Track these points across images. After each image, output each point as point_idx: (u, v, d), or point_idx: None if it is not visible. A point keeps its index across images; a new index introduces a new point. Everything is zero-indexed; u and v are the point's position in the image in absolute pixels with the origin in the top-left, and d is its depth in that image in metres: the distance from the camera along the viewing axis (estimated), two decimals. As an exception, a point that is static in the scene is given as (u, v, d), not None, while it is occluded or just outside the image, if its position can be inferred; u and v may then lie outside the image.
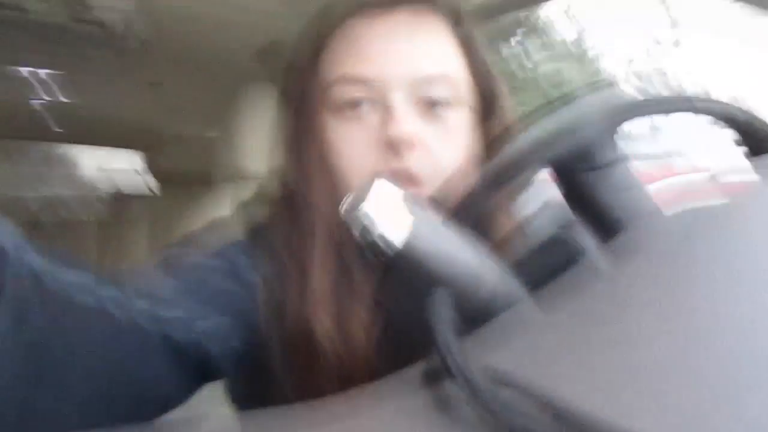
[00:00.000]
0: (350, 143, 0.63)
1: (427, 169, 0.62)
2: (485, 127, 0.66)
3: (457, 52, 0.65)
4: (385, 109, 0.61)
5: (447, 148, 0.63)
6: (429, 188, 0.61)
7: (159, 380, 0.53)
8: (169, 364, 0.53)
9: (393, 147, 0.60)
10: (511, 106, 0.69)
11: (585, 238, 0.51)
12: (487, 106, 0.67)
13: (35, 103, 2.82)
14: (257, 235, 0.68)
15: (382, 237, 0.34)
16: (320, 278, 0.62)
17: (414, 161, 0.61)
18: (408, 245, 0.34)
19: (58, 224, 3.38)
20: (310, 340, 0.60)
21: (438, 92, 0.62)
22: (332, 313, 0.61)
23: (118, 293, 0.52)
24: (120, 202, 2.42)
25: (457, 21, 0.66)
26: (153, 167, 2.22)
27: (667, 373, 0.19)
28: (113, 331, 0.49)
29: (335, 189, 0.63)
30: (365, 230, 0.34)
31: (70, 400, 0.46)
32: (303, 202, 0.65)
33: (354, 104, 0.62)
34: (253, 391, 0.64)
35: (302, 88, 0.67)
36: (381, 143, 0.61)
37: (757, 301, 0.22)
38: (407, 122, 0.60)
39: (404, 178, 0.61)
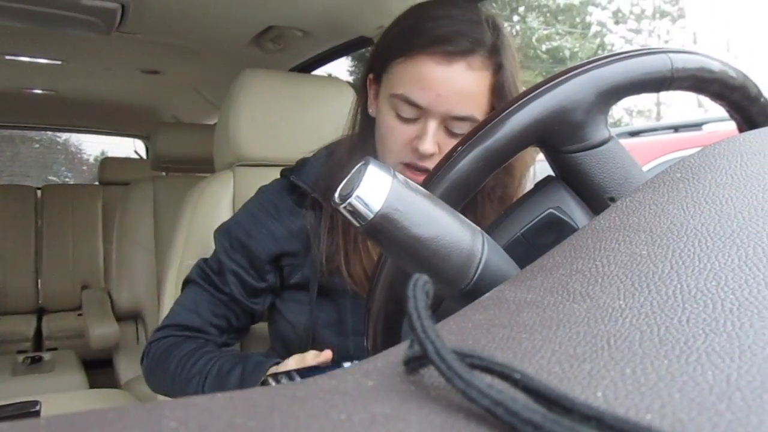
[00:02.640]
0: (395, 138, 0.88)
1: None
2: None
3: (488, 98, 0.86)
4: (423, 128, 0.85)
5: None
6: None
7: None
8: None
9: (419, 154, 0.86)
10: None
11: (578, 216, 0.52)
12: None
13: (36, 91, 2.83)
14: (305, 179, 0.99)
15: (360, 199, 0.37)
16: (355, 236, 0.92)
17: (431, 163, 0.86)
18: (386, 206, 0.37)
19: (61, 210, 3.39)
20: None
21: (461, 128, 0.85)
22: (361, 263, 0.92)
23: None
24: (122, 187, 2.43)
25: (499, 68, 0.85)
26: (154, 153, 2.22)
27: (633, 344, 0.20)
28: None
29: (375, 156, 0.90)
30: (349, 197, 0.37)
31: None
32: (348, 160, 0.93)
33: (405, 115, 0.87)
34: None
35: (378, 75, 0.92)
36: (413, 147, 0.86)
37: (720, 274, 0.23)
38: (432, 143, 0.85)
39: (423, 170, 0.87)
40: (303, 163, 1.03)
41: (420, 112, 0.85)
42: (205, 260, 1.01)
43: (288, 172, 1.02)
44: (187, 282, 1.01)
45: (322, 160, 1.01)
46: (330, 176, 0.95)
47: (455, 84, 0.83)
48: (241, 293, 0.97)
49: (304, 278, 0.98)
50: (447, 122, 0.85)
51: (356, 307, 0.96)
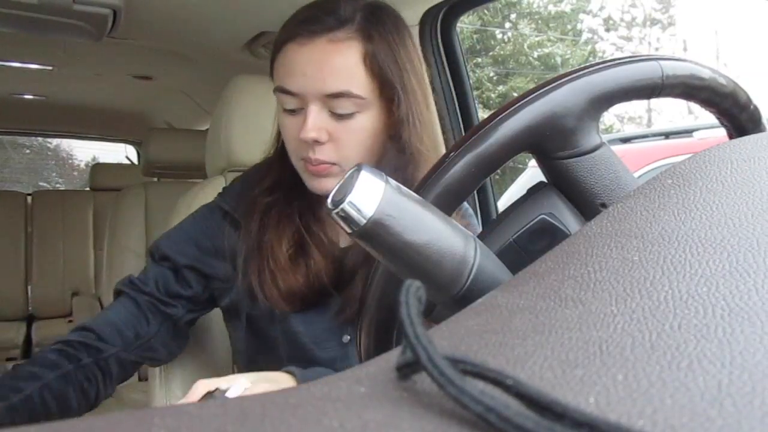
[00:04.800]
0: (288, 133, 0.88)
1: (336, 156, 0.85)
2: (395, 112, 0.84)
3: (362, 70, 0.83)
4: (305, 115, 0.83)
5: (354, 140, 0.85)
6: (346, 167, 0.85)
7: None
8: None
9: (307, 143, 0.83)
10: (420, 93, 0.88)
11: (570, 222, 0.52)
12: (392, 99, 0.84)
13: (27, 96, 2.81)
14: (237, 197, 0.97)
15: (353, 205, 0.37)
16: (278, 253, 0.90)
17: (325, 153, 0.84)
18: (379, 212, 0.37)
19: (51, 216, 3.37)
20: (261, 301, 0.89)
21: (342, 107, 0.82)
22: (284, 284, 0.88)
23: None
24: (113, 193, 2.42)
25: (368, 38, 0.83)
26: (145, 159, 2.21)
27: (625, 350, 0.20)
28: None
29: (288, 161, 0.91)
30: (341, 203, 0.38)
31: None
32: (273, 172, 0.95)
33: (288, 107, 0.86)
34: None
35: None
36: (302, 139, 0.83)
37: (711, 280, 0.23)
38: (313, 129, 0.82)
39: (318, 163, 0.85)
40: (237, 180, 1.02)
41: (299, 100, 0.83)
42: (134, 276, 0.97)
43: (219, 193, 1.01)
44: (116, 294, 0.97)
45: (248, 173, 1.01)
46: (249, 191, 0.95)
47: (319, 60, 0.81)
48: (161, 292, 0.92)
49: (232, 303, 0.96)
50: (327, 104, 0.82)
51: (286, 334, 0.93)
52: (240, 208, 0.95)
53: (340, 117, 0.83)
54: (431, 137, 0.89)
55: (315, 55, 0.81)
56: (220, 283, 0.96)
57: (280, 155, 0.95)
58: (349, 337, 0.93)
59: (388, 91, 0.84)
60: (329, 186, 0.84)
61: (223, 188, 1.02)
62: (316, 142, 0.83)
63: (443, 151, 0.88)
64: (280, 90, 0.84)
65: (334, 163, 0.85)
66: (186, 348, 1.12)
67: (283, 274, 0.89)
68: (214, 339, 1.16)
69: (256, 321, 0.95)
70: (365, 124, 0.84)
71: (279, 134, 0.96)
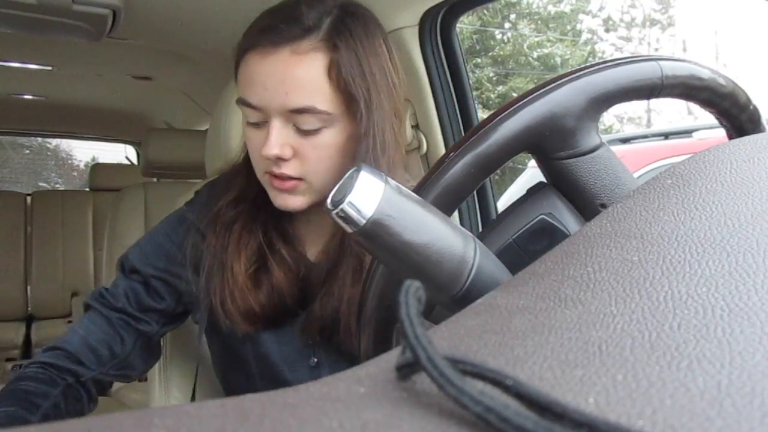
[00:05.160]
0: (252, 147, 0.83)
1: (302, 171, 0.79)
2: (359, 127, 0.79)
3: (326, 84, 0.77)
4: (267, 131, 0.78)
5: (320, 156, 0.79)
6: (313, 183, 0.81)
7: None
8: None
9: (270, 159, 0.78)
10: (388, 107, 0.81)
11: (570, 222, 0.52)
12: (358, 112, 0.78)
13: (27, 97, 2.81)
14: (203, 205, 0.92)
15: (352, 205, 0.37)
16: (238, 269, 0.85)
17: (291, 168, 0.79)
18: (378, 212, 0.37)
19: (51, 217, 3.37)
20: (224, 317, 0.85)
21: (306, 122, 0.77)
22: (241, 300, 0.84)
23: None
24: (113, 193, 2.41)
25: (333, 48, 0.77)
26: (145, 159, 2.21)
27: (624, 350, 0.20)
28: None
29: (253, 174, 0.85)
30: (341, 203, 0.37)
31: None
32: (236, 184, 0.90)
33: (251, 121, 0.80)
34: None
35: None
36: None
37: (711, 280, 0.23)
38: (275, 145, 0.77)
39: (285, 179, 0.80)
40: (205, 187, 0.97)
41: (261, 114, 0.78)
42: (104, 288, 0.93)
43: (193, 196, 0.97)
44: (86, 308, 0.93)
45: (213, 182, 0.96)
46: (214, 202, 0.90)
47: (280, 72, 0.75)
48: (134, 306, 0.89)
49: (202, 318, 0.92)
50: (291, 119, 0.77)
51: (257, 353, 0.90)
52: (204, 219, 0.90)
53: (305, 133, 0.78)
54: (390, 158, 0.81)
55: (278, 67, 0.76)
56: (189, 297, 0.91)
57: (246, 165, 0.89)
58: (316, 360, 0.89)
59: (354, 105, 0.78)
60: (295, 203, 0.81)
61: (194, 195, 0.98)
62: (280, 159, 0.78)
63: (400, 173, 0.85)
64: (242, 102, 0.79)
65: (300, 179, 0.80)
66: (185, 348, 1.12)
67: (241, 293, 0.84)
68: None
69: (227, 338, 0.92)
70: (331, 140, 0.79)
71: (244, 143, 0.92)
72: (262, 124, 0.79)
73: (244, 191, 0.89)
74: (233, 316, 0.85)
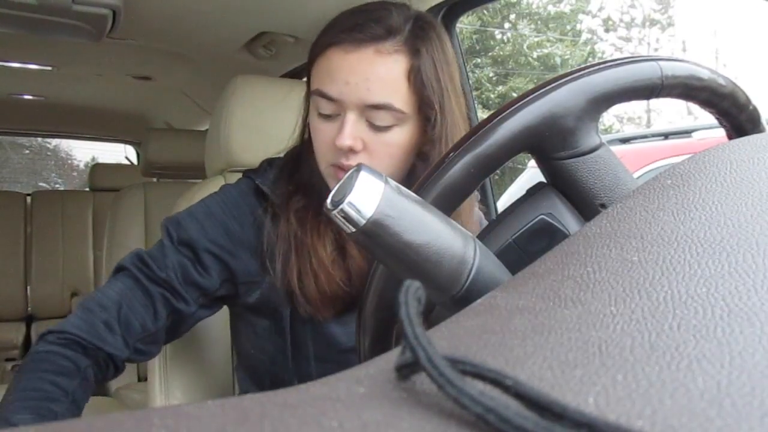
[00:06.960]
0: (320, 138, 0.85)
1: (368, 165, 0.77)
2: (429, 132, 0.83)
3: (405, 85, 0.81)
4: (342, 122, 0.82)
5: (387, 152, 0.83)
6: None
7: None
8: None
9: (342, 151, 0.82)
10: (458, 113, 0.87)
11: (569, 222, 0.52)
12: (429, 118, 0.83)
13: (26, 97, 2.81)
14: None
15: (352, 205, 0.37)
16: (321, 252, 0.87)
17: (356, 161, 0.82)
18: (378, 213, 0.37)
19: (51, 217, 3.37)
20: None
21: (381, 118, 0.81)
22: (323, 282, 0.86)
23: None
24: (113, 193, 2.41)
25: (415, 53, 0.82)
26: (145, 159, 2.21)
27: (624, 350, 0.20)
28: None
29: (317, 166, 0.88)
30: (341, 203, 0.38)
31: None
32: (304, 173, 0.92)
33: (324, 112, 0.84)
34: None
35: (307, 85, 0.89)
36: (336, 146, 0.81)
37: (710, 281, 0.23)
38: (350, 137, 0.81)
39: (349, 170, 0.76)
40: (268, 164, 0.98)
41: (337, 106, 0.82)
42: (143, 251, 0.89)
43: (251, 173, 0.97)
44: (119, 269, 0.88)
45: (282, 165, 0.96)
46: (284, 184, 0.92)
47: (363, 70, 0.80)
48: (179, 280, 0.86)
49: (263, 298, 0.91)
50: (366, 113, 0.81)
51: (318, 334, 0.90)
52: (278, 193, 0.91)
53: (377, 128, 0.82)
54: None
55: (361, 64, 0.80)
56: (246, 277, 0.90)
57: (302, 155, 0.93)
58: None
59: (427, 109, 0.82)
60: None
61: (255, 170, 0.97)
62: (351, 150, 0.81)
63: None
64: (319, 94, 0.83)
65: None
66: (186, 349, 1.12)
67: (326, 276, 0.86)
68: (213, 340, 1.16)
69: (286, 320, 0.92)
70: (400, 138, 0.83)
71: (302, 134, 0.95)
72: (334, 117, 0.83)
73: (308, 181, 0.91)
74: (314, 299, 0.86)
